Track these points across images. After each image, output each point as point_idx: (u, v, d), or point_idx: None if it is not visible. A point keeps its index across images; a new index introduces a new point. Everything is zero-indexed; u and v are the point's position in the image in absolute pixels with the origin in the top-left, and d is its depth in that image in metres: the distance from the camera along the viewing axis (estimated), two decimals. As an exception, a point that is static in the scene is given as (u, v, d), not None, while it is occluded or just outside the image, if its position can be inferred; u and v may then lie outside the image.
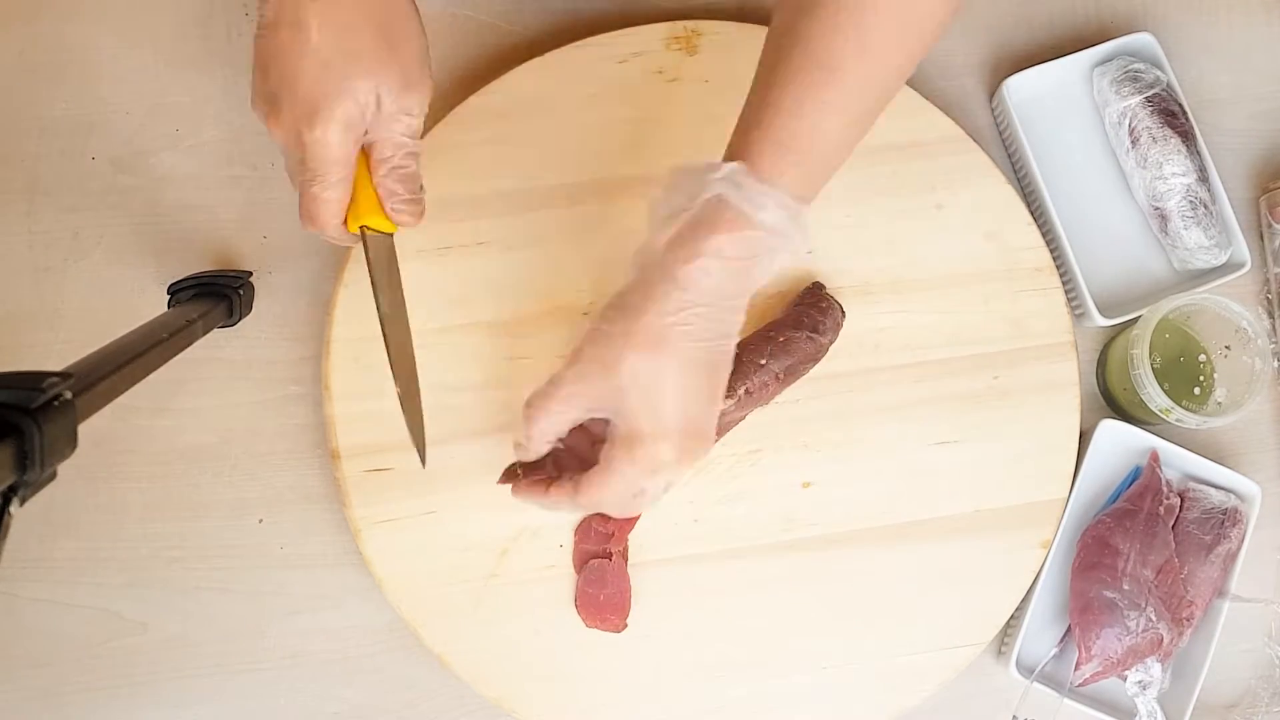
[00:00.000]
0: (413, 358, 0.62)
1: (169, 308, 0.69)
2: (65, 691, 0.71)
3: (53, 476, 0.45)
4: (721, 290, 0.54)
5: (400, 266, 0.71)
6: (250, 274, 0.73)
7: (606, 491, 0.55)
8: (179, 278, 0.71)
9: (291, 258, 0.74)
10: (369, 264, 0.60)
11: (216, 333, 0.70)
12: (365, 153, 0.58)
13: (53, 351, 0.73)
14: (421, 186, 0.60)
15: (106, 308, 0.73)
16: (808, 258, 0.73)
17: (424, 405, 0.70)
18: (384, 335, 0.61)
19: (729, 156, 0.55)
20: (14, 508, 0.42)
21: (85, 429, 0.46)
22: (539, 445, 0.57)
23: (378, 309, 0.61)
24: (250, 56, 0.75)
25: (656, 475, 0.55)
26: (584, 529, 0.71)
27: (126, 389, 0.53)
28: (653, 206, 0.57)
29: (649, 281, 0.54)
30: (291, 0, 0.53)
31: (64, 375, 0.46)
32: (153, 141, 0.75)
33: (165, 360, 0.58)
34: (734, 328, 0.55)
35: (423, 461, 0.62)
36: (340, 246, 0.73)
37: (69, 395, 0.45)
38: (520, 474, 0.60)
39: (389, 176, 0.58)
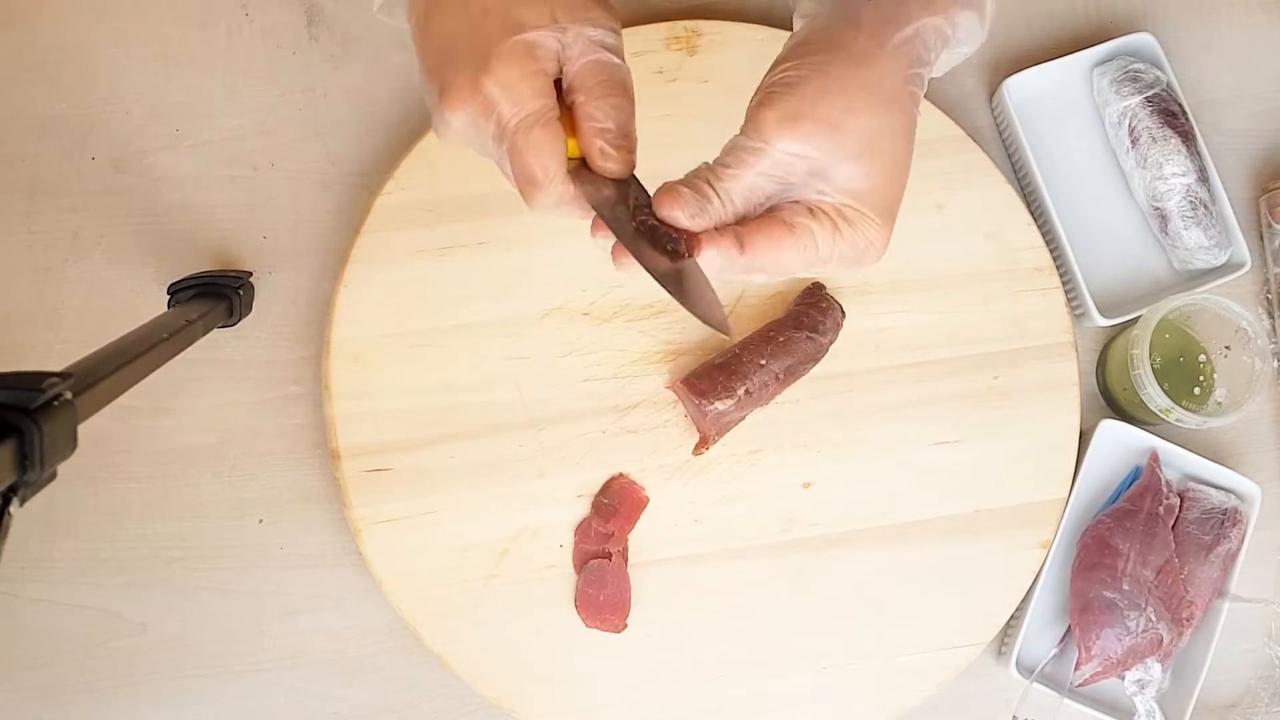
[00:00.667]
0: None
1: (169, 308, 0.69)
2: (65, 691, 0.71)
3: (52, 477, 0.45)
4: (926, 60, 0.46)
5: (400, 267, 0.71)
6: (250, 274, 0.73)
7: (788, 256, 0.45)
8: (179, 278, 0.71)
9: (291, 258, 0.74)
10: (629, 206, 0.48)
11: (216, 333, 0.70)
12: (567, 92, 0.48)
13: (52, 351, 0.73)
14: (630, 129, 0.50)
15: (106, 308, 0.73)
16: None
17: (424, 405, 0.71)
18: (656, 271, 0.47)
19: None
20: (14, 508, 0.42)
21: (85, 429, 0.46)
22: (730, 203, 0.47)
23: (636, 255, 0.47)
24: (249, 57, 0.76)
25: (853, 265, 0.47)
26: (584, 529, 0.71)
27: (126, 389, 0.53)
28: None
29: (872, 20, 0.45)
30: None
31: (64, 375, 0.46)
32: (153, 141, 0.75)
33: (165, 360, 0.58)
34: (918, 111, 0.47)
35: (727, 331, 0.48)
36: (338, 248, 0.73)
37: (69, 395, 0.45)
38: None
39: (591, 109, 0.48)
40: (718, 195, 0.47)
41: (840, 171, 0.45)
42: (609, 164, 0.49)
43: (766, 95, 0.46)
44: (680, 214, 0.47)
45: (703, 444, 0.70)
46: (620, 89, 0.48)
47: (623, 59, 0.48)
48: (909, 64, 0.45)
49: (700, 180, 0.47)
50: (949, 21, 0.47)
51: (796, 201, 0.46)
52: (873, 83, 0.45)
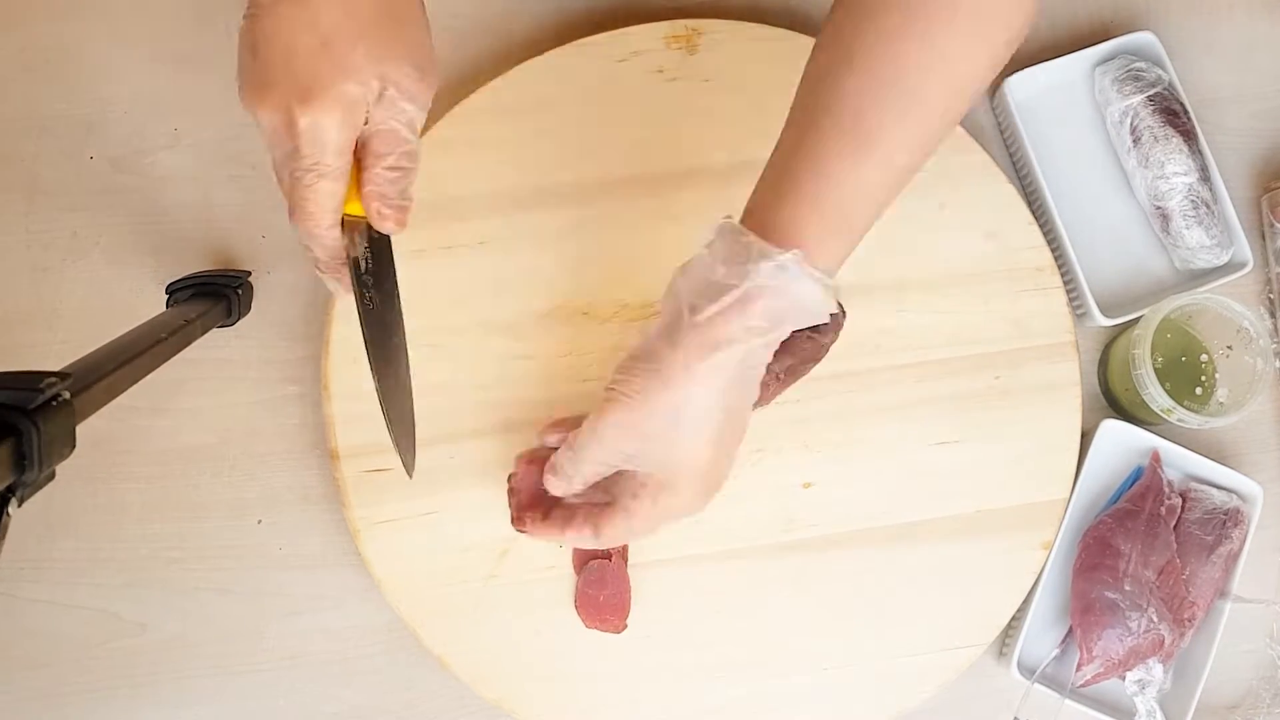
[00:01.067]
0: (407, 363, 0.59)
1: (167, 307, 0.69)
2: (64, 692, 0.71)
3: (51, 477, 0.45)
4: (753, 357, 0.53)
5: (400, 266, 0.71)
6: (249, 274, 0.73)
7: (625, 532, 0.56)
8: (177, 277, 0.70)
9: (290, 257, 0.74)
10: (354, 260, 0.55)
11: (215, 333, 0.70)
12: (358, 145, 0.51)
13: (51, 351, 0.73)
14: (409, 194, 0.54)
15: (105, 308, 0.73)
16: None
17: (423, 405, 0.70)
18: (370, 339, 0.57)
19: (763, 213, 0.53)
20: (12, 508, 0.42)
21: (84, 429, 0.46)
22: (579, 487, 0.58)
23: (365, 308, 0.56)
24: (249, 56, 0.76)
25: (676, 518, 0.56)
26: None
27: (125, 389, 0.52)
28: (690, 267, 0.54)
29: (687, 344, 0.52)
30: None
31: (62, 375, 0.45)
32: (152, 141, 0.75)
33: (164, 360, 0.58)
34: (758, 385, 0.55)
35: (409, 471, 0.60)
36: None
37: (67, 395, 0.45)
38: (525, 515, 0.61)
39: (381, 175, 0.52)
40: (577, 477, 0.57)
41: (650, 458, 0.54)
42: (386, 224, 0.54)
43: (603, 403, 0.54)
44: (554, 486, 0.58)
45: None
46: (410, 159, 0.53)
47: (417, 135, 0.53)
48: (722, 379, 0.52)
49: (563, 463, 0.57)
50: (772, 337, 0.52)
51: (632, 474, 0.56)
52: (679, 401, 0.52)
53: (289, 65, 0.48)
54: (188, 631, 0.71)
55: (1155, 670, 0.69)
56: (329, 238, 0.53)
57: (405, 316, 0.71)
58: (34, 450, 0.42)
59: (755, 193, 0.55)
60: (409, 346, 0.71)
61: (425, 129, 0.69)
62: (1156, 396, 0.69)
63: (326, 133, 0.48)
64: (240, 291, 0.70)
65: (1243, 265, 0.74)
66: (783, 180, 0.54)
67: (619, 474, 0.57)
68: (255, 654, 0.72)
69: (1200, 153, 0.74)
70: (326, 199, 0.51)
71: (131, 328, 0.58)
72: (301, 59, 0.48)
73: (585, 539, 0.58)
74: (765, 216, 0.53)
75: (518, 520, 0.61)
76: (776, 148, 0.55)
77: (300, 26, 0.48)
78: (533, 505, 0.60)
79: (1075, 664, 0.70)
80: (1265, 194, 0.78)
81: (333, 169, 0.50)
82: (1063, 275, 0.74)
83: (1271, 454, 0.77)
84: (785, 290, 0.51)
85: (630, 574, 0.70)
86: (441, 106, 0.73)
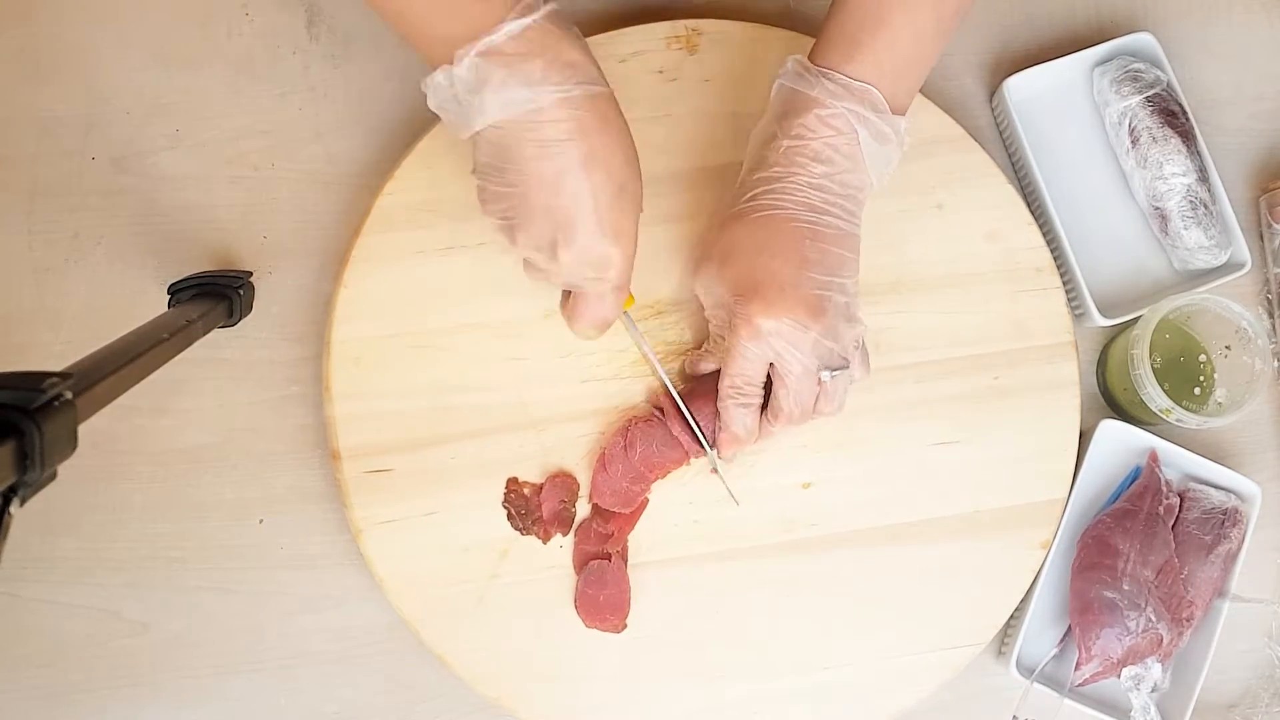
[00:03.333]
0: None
1: (169, 308, 0.69)
2: (66, 691, 0.71)
3: (53, 477, 0.45)
4: (794, 167, 0.60)
5: (400, 267, 0.72)
6: (250, 274, 0.73)
7: (734, 375, 0.63)
8: (179, 278, 0.71)
9: (291, 258, 0.74)
10: (637, 337, 0.69)
11: (216, 333, 0.70)
12: None
13: (53, 351, 0.73)
14: None
15: (106, 308, 0.73)
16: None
17: (424, 406, 0.71)
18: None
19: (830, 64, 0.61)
20: (14, 508, 0.42)
21: (85, 429, 0.46)
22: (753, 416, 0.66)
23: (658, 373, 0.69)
24: (249, 57, 0.76)
25: (761, 339, 0.61)
26: (584, 530, 0.71)
27: (127, 389, 0.53)
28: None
29: (739, 181, 0.63)
30: (565, 142, 0.55)
31: (64, 375, 0.46)
32: (153, 141, 0.75)
33: (165, 360, 0.58)
34: (829, 204, 0.61)
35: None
36: (338, 248, 0.73)
37: (69, 395, 0.45)
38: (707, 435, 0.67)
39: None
40: (711, 341, 0.68)
41: (719, 284, 0.64)
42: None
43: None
44: (692, 367, 0.71)
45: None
46: None
47: None
48: (753, 210, 0.62)
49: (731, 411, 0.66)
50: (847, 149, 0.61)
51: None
52: (728, 231, 0.63)
53: (593, 214, 0.57)
54: (189, 631, 0.72)
55: (1152, 668, 0.69)
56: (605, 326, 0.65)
57: (406, 316, 0.72)
58: (36, 450, 0.42)
59: (817, 54, 0.62)
60: (409, 347, 0.72)
61: (427, 129, 0.69)
62: (1155, 396, 0.69)
63: (629, 260, 0.60)
64: (242, 292, 0.71)
65: (1241, 266, 0.75)
66: (843, 36, 0.61)
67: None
68: (256, 653, 0.72)
69: (1198, 153, 0.74)
70: (616, 308, 0.64)
71: (133, 328, 0.59)
72: (604, 207, 0.58)
73: (757, 427, 0.66)
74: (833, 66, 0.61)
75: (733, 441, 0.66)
76: (831, 16, 0.62)
77: (596, 182, 0.57)
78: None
79: (1074, 663, 0.70)
80: (1263, 194, 0.78)
81: (625, 285, 0.62)
82: (1062, 275, 0.75)
83: (1270, 454, 0.77)
84: (803, 92, 0.60)
85: (630, 574, 0.70)
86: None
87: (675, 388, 0.69)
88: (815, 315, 0.60)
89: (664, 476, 0.70)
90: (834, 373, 0.63)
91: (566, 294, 0.65)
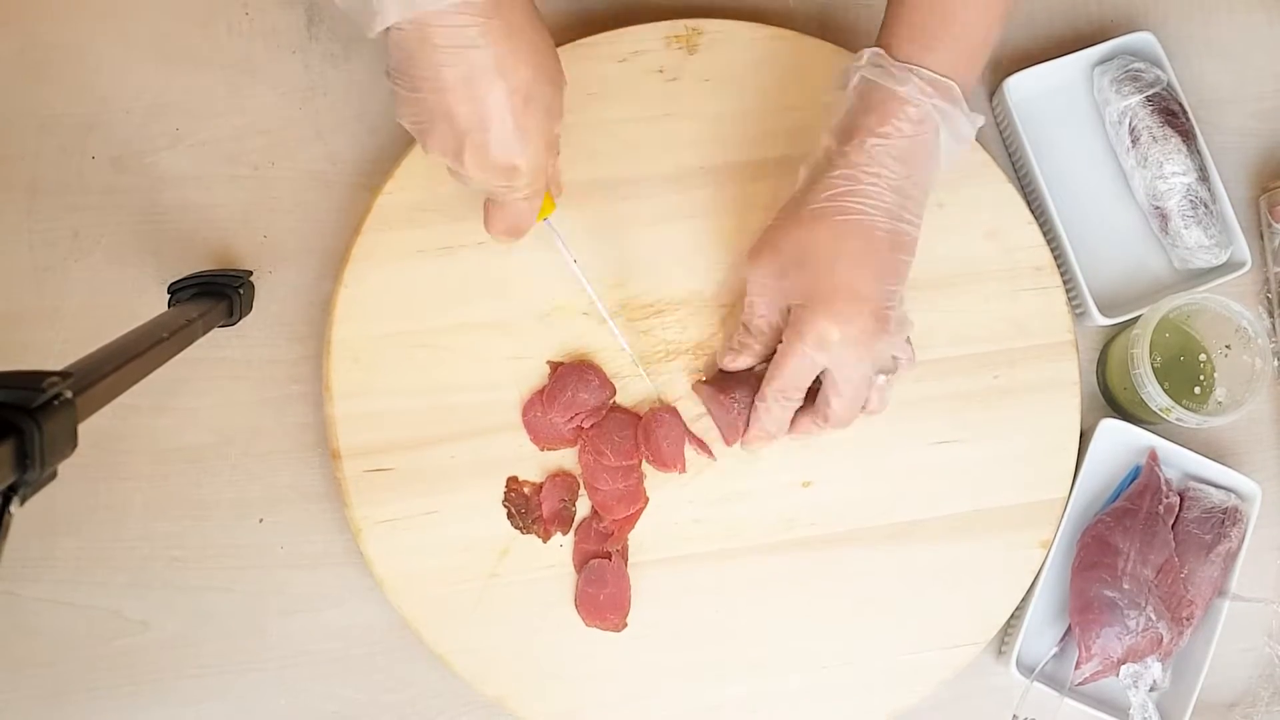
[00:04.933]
0: None
1: (169, 307, 0.69)
2: (66, 691, 0.71)
3: (53, 476, 0.45)
4: (879, 167, 0.59)
5: (400, 266, 0.71)
6: (250, 273, 0.73)
7: (786, 377, 0.62)
8: (179, 277, 0.71)
9: (291, 257, 0.75)
10: (560, 246, 0.67)
11: (216, 332, 0.70)
12: None
13: (53, 351, 0.73)
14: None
15: (106, 307, 0.73)
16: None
17: (424, 405, 0.71)
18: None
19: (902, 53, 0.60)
20: (14, 507, 0.42)
21: (85, 428, 0.46)
22: (760, 334, 0.65)
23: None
24: (249, 56, 0.76)
25: (825, 348, 0.60)
26: (584, 529, 0.71)
27: (127, 388, 0.53)
28: (824, 110, 0.63)
29: (811, 174, 0.61)
30: (468, 49, 0.54)
31: (64, 374, 0.46)
32: (153, 141, 0.75)
33: (165, 360, 0.58)
34: (905, 209, 0.60)
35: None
36: (338, 247, 0.74)
37: (69, 394, 0.45)
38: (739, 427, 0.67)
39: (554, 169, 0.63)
40: (750, 335, 0.66)
41: (782, 281, 0.62)
42: (557, 198, 0.67)
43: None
44: (731, 363, 0.68)
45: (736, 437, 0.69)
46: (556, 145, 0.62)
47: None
48: (835, 212, 0.60)
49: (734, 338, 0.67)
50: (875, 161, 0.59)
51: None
52: (803, 229, 0.61)
53: (491, 120, 0.56)
54: (189, 630, 0.72)
55: (1153, 668, 0.69)
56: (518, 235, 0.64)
57: (406, 316, 0.72)
58: (36, 449, 0.42)
59: (892, 45, 0.60)
60: (409, 346, 0.72)
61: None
62: (1155, 396, 0.69)
63: (540, 163, 0.59)
64: (242, 291, 0.71)
65: (1241, 265, 0.75)
66: (921, 27, 0.59)
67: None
68: (257, 652, 0.72)
69: (1199, 153, 0.74)
70: (535, 210, 0.63)
71: (133, 327, 0.59)
72: (500, 113, 0.56)
73: (804, 425, 0.65)
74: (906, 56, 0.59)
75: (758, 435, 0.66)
76: (900, 5, 0.61)
77: (487, 89, 0.55)
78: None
79: (1074, 662, 0.70)
80: (1263, 194, 0.78)
81: (541, 187, 0.61)
82: (1062, 275, 0.75)
83: (1270, 453, 0.77)
84: (889, 88, 0.58)
85: (630, 573, 0.70)
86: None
87: (701, 380, 0.70)
88: (883, 328, 0.60)
89: (595, 420, 0.70)
90: (886, 376, 0.62)
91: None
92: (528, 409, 0.71)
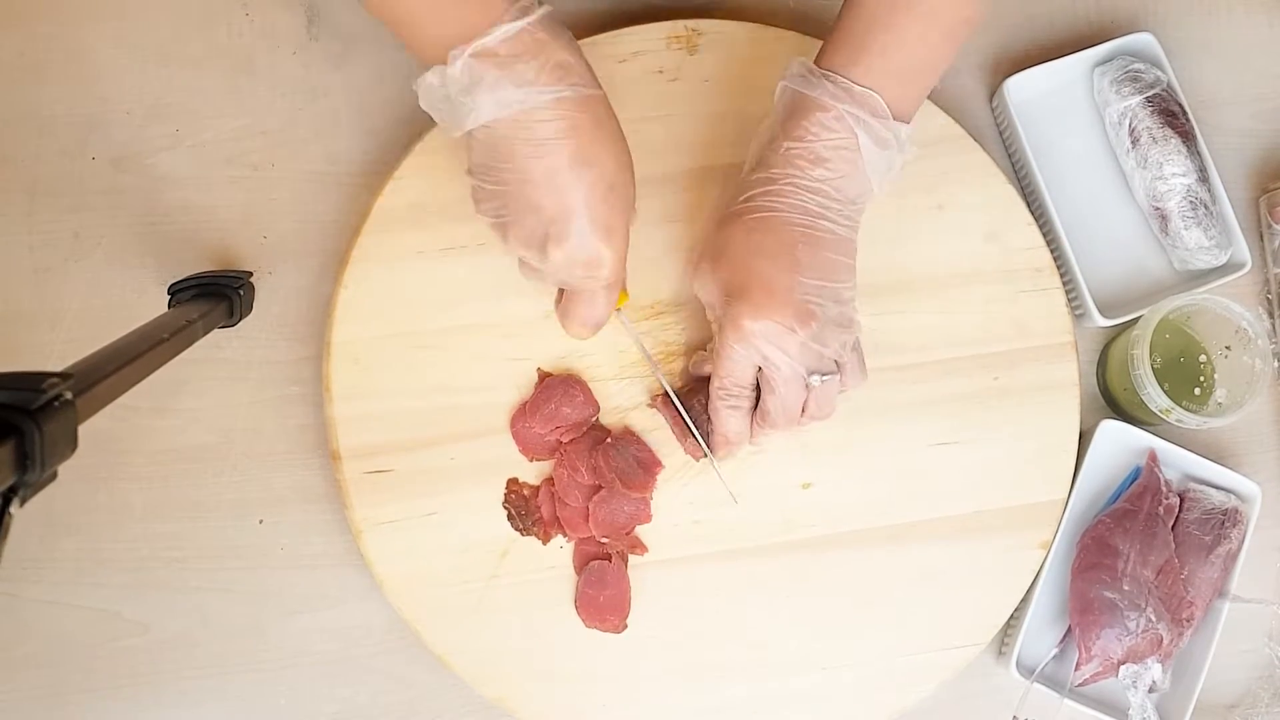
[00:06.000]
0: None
1: (169, 308, 0.69)
2: (66, 692, 0.71)
3: (53, 477, 0.45)
4: (793, 169, 0.60)
5: (400, 267, 0.72)
6: (250, 274, 0.73)
7: (723, 376, 0.63)
8: (179, 278, 0.71)
9: (291, 258, 0.74)
10: (633, 336, 0.70)
11: (217, 333, 0.70)
12: None
13: (53, 352, 0.73)
14: None
15: (107, 308, 0.73)
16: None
17: (425, 406, 0.71)
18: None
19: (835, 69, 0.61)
20: (14, 508, 0.42)
21: (85, 429, 0.46)
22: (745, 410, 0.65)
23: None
24: (249, 57, 0.76)
25: (748, 341, 0.60)
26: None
27: (127, 389, 0.53)
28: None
29: (737, 182, 0.63)
30: (557, 142, 0.55)
31: (64, 376, 0.46)
32: (153, 142, 0.75)
33: (165, 361, 0.58)
34: (827, 209, 0.61)
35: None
36: (338, 248, 0.73)
37: (69, 396, 0.45)
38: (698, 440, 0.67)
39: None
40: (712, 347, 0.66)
41: (712, 284, 0.63)
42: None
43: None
44: (696, 368, 0.70)
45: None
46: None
47: None
48: (749, 211, 0.61)
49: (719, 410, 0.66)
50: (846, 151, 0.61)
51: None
52: (723, 231, 0.63)
53: (585, 214, 0.58)
54: (189, 631, 0.72)
55: (1153, 669, 0.69)
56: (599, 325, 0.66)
57: (406, 317, 0.72)
58: (36, 450, 0.42)
59: (822, 57, 0.62)
60: (409, 347, 0.72)
61: (426, 130, 0.69)
62: (1155, 397, 0.69)
63: (620, 260, 0.61)
64: (242, 292, 0.71)
65: (1241, 266, 0.75)
66: (849, 40, 0.61)
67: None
68: (256, 653, 0.72)
69: (1199, 154, 0.74)
70: (609, 306, 0.64)
71: (133, 328, 0.59)
72: (596, 207, 0.58)
73: (754, 430, 0.66)
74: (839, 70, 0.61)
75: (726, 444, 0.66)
76: (839, 20, 0.62)
77: (590, 181, 0.57)
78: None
79: (1074, 663, 0.70)
80: (1263, 195, 0.78)
81: (619, 281, 0.63)
82: (1062, 276, 0.75)
83: (1270, 454, 0.77)
84: (805, 93, 0.60)
85: (630, 574, 0.70)
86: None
87: (675, 389, 0.69)
88: (803, 320, 0.60)
89: (575, 436, 0.70)
90: (823, 378, 0.62)
91: (561, 293, 0.65)
92: (516, 418, 0.71)
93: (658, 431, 0.72)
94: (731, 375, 0.63)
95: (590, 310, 0.63)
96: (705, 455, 0.68)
